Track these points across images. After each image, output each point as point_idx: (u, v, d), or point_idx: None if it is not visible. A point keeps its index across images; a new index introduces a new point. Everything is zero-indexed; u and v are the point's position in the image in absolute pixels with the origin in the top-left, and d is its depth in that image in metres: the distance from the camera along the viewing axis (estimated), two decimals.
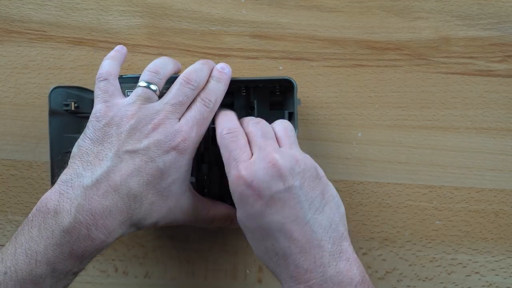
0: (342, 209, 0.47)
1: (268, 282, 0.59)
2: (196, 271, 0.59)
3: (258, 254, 0.46)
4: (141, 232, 0.58)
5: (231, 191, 0.46)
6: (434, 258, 0.59)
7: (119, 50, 0.52)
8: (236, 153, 0.46)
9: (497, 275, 0.59)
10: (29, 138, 0.58)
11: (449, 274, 0.59)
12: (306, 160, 0.46)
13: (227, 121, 0.49)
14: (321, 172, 0.47)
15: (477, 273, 0.59)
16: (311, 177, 0.46)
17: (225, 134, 0.48)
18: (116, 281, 0.59)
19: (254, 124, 0.49)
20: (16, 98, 0.59)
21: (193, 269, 0.59)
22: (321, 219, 0.45)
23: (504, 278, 0.59)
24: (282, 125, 0.50)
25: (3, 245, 0.57)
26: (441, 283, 0.59)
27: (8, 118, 0.59)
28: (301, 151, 0.48)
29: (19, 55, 0.59)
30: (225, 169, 0.47)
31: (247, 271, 0.59)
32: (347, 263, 0.44)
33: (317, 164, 0.47)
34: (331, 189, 0.47)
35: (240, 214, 0.46)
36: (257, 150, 0.46)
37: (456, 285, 0.59)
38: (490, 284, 0.59)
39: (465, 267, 0.59)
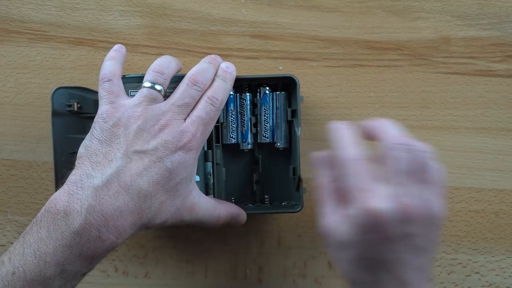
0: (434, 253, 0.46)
1: (268, 282, 0.59)
2: (196, 271, 0.60)
3: (355, 281, 0.46)
4: (141, 232, 0.59)
5: (351, 218, 0.43)
6: (434, 258, 0.59)
7: (118, 50, 0.52)
8: (366, 182, 0.44)
9: (497, 275, 0.60)
10: (29, 138, 0.59)
11: (449, 274, 0.60)
12: (436, 207, 0.44)
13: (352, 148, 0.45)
14: (441, 219, 0.45)
15: (477, 273, 0.60)
16: (433, 226, 0.45)
17: (357, 160, 0.45)
18: (116, 281, 0.59)
19: (400, 150, 0.44)
20: (16, 98, 0.60)
21: (193, 269, 0.60)
22: (422, 264, 0.45)
23: (504, 278, 0.60)
24: (418, 155, 0.44)
25: (3, 245, 0.59)
26: (441, 283, 0.60)
27: (8, 118, 0.60)
28: (433, 192, 0.45)
29: (19, 55, 0.60)
30: (348, 190, 0.44)
31: (247, 271, 0.60)
32: None
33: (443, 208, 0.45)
34: (437, 237, 0.46)
35: (353, 241, 0.44)
36: (391, 184, 0.44)
37: (456, 285, 0.60)
38: (490, 284, 0.60)
39: (465, 267, 0.60)
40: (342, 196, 0.45)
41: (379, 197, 0.43)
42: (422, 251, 0.44)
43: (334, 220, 0.45)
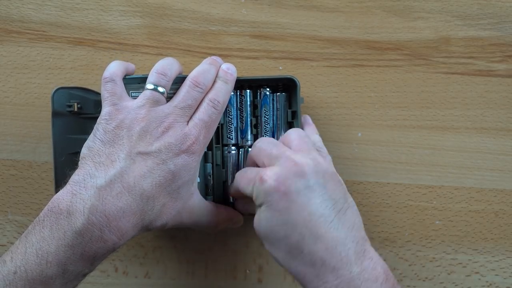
0: (360, 217, 0.49)
1: (268, 282, 0.60)
2: (196, 271, 0.60)
3: (281, 257, 0.47)
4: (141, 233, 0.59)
5: (256, 197, 0.47)
6: (434, 258, 0.60)
7: (128, 62, 0.54)
8: (254, 170, 0.49)
9: (497, 275, 0.60)
10: (29, 138, 0.60)
11: (449, 274, 0.60)
12: (328, 164, 0.49)
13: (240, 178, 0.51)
14: (341, 179, 0.49)
15: (477, 273, 0.60)
16: (334, 179, 0.48)
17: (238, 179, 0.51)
18: (116, 281, 0.60)
19: (262, 143, 0.51)
20: (16, 98, 0.60)
21: (193, 269, 0.60)
22: (344, 220, 0.46)
23: (504, 278, 0.60)
24: (295, 134, 0.51)
25: (3, 245, 0.59)
26: (441, 283, 0.60)
27: (8, 118, 0.60)
28: (320, 156, 0.50)
29: (19, 55, 0.60)
30: (246, 192, 0.49)
31: (247, 271, 0.60)
32: (371, 262, 0.45)
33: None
34: (351, 197, 0.49)
35: (264, 215, 0.47)
36: (276, 159, 0.48)
37: (456, 285, 0.60)
38: (490, 284, 0.60)
39: (465, 267, 0.60)
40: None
41: (267, 169, 0.47)
42: (338, 207, 0.46)
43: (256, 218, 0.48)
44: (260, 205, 0.47)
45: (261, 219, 0.47)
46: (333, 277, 0.44)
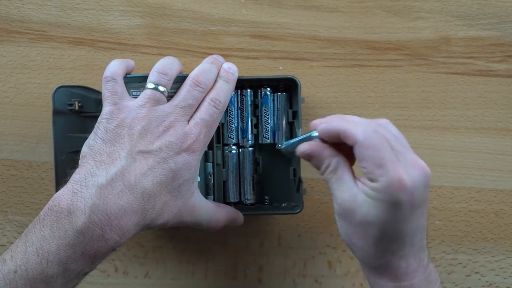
0: None
1: (268, 282, 0.60)
2: (196, 271, 0.60)
3: (368, 256, 0.46)
4: (141, 232, 0.59)
5: (382, 192, 0.44)
6: (434, 258, 0.60)
7: (128, 59, 0.54)
8: (388, 155, 0.44)
9: (497, 275, 0.60)
10: (30, 138, 0.60)
11: (449, 274, 0.60)
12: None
13: (366, 124, 0.46)
14: None
15: (477, 273, 0.60)
16: None
17: (372, 133, 0.45)
18: (116, 281, 0.60)
19: (383, 128, 0.46)
20: (16, 98, 0.60)
21: (193, 269, 0.60)
22: (426, 226, 0.47)
23: (504, 278, 0.60)
24: (394, 131, 0.46)
25: (3, 245, 0.59)
26: (441, 283, 0.60)
27: (8, 118, 0.60)
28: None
29: (19, 55, 0.60)
30: (373, 169, 0.44)
31: (247, 271, 0.60)
32: (433, 265, 0.48)
33: None
34: None
35: (379, 217, 0.44)
36: (400, 155, 0.44)
37: (456, 285, 0.60)
38: (490, 284, 0.60)
39: (465, 267, 0.60)
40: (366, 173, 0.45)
41: (406, 167, 0.43)
42: (426, 214, 0.46)
43: (355, 194, 0.45)
44: (381, 203, 0.44)
45: (368, 218, 0.44)
46: (411, 277, 0.45)
